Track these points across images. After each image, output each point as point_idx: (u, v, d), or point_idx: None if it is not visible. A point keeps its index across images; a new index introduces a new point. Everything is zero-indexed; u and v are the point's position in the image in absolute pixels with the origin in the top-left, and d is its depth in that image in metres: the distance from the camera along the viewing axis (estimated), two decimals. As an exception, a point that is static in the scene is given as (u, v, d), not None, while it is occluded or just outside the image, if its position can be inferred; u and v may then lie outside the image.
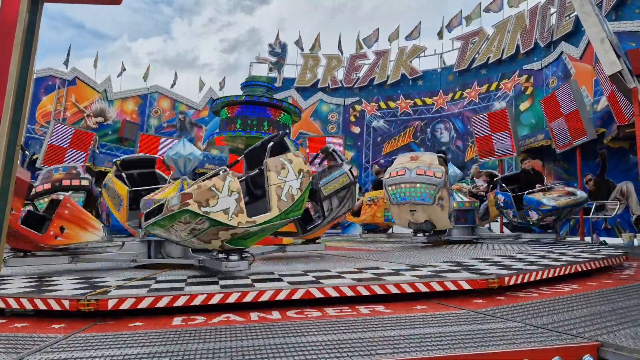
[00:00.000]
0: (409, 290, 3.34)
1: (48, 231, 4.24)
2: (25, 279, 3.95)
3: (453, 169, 8.36)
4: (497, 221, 11.80)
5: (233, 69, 57.27)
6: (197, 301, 3.00)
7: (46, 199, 6.06)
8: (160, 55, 59.15)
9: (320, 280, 3.47)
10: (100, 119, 18.84)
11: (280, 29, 53.70)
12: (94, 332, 2.55)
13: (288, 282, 3.42)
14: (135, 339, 2.36)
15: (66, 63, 18.65)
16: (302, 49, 23.28)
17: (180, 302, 2.97)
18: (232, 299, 3.06)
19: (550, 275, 3.96)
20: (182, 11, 62.58)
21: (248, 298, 3.09)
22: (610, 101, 9.70)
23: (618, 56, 6.67)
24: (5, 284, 3.60)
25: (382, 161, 20.93)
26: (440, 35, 21.42)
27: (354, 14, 57.71)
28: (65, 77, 18.06)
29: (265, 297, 3.11)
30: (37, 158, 14.25)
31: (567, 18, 15.12)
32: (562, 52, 15.07)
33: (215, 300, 3.04)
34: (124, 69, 20.53)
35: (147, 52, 59.24)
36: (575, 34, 14.53)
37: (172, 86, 21.69)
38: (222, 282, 3.50)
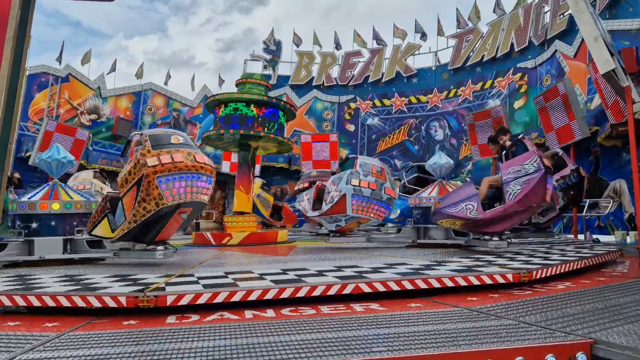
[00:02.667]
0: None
1: None
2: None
3: (447, 160, 7.58)
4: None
5: (229, 68, 57.13)
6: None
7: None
8: (156, 55, 58.90)
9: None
10: (93, 116, 18.69)
11: (276, 29, 53.55)
12: (87, 330, 2.53)
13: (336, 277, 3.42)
14: (129, 337, 2.35)
15: (59, 60, 18.49)
16: (302, 45, 23.20)
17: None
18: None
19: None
20: (177, 10, 62.31)
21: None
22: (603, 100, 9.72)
23: (612, 54, 6.69)
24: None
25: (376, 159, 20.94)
26: (440, 32, 21.34)
27: (349, 14, 57.70)
28: (58, 74, 17.89)
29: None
30: (29, 155, 14.25)
31: (561, 16, 15.19)
32: (556, 51, 15.12)
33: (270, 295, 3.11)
34: (115, 66, 20.30)
35: (143, 50, 58.98)
36: (569, 32, 14.60)
37: (165, 83, 21.57)
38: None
